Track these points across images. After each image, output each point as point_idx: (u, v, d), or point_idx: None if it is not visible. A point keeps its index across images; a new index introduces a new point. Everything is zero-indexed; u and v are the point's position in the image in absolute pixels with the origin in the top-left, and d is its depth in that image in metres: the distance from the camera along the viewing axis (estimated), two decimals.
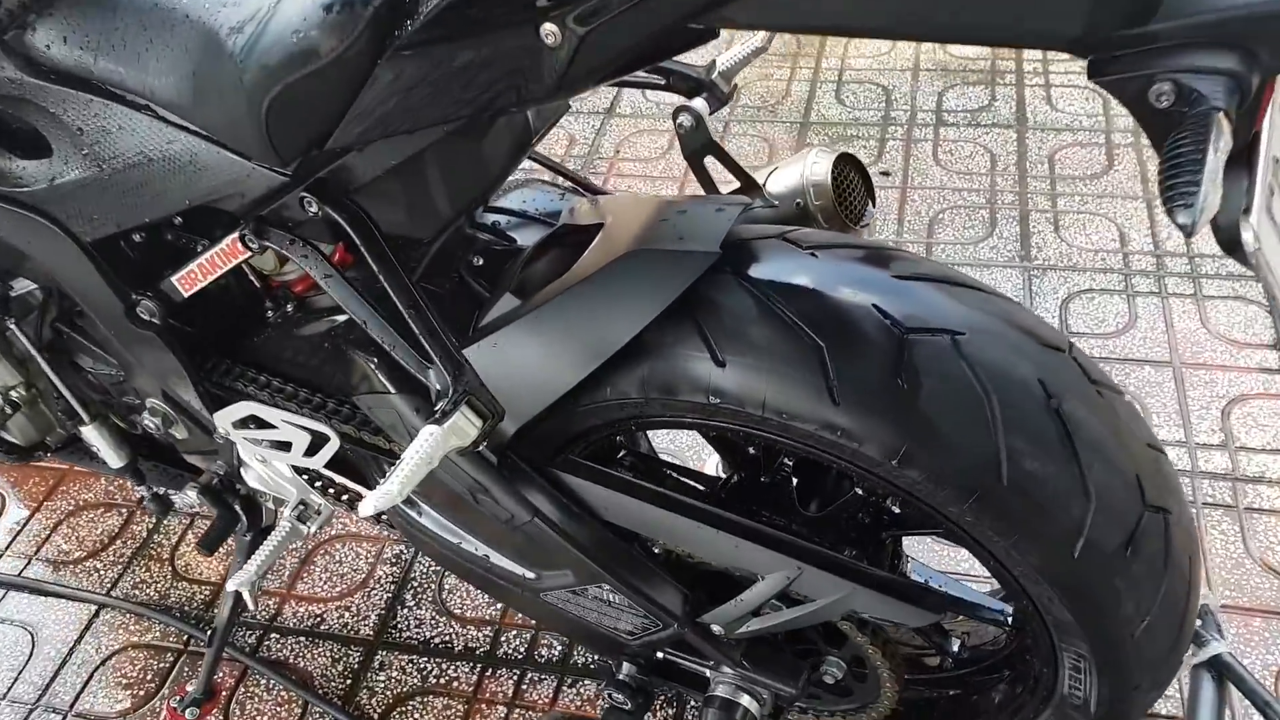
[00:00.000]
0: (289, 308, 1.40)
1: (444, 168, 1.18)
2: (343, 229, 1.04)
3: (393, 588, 2.07)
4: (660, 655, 1.37)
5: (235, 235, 1.10)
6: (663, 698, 1.73)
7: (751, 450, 1.32)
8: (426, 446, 0.96)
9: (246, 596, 1.43)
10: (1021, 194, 2.81)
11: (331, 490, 1.46)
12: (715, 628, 1.26)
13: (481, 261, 1.30)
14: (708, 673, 1.34)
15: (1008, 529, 1.06)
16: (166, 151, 1.05)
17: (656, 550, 1.30)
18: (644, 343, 1.12)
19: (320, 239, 1.09)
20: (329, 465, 1.37)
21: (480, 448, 1.20)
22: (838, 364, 1.04)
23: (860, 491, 1.25)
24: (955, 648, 1.49)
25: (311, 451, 1.37)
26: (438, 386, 1.00)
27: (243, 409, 1.34)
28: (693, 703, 1.71)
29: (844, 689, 1.40)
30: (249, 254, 1.12)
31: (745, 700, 1.31)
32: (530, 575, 1.35)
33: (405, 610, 2.03)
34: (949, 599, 1.40)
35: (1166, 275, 2.51)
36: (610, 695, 1.38)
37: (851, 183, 1.33)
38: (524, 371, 1.18)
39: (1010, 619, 1.41)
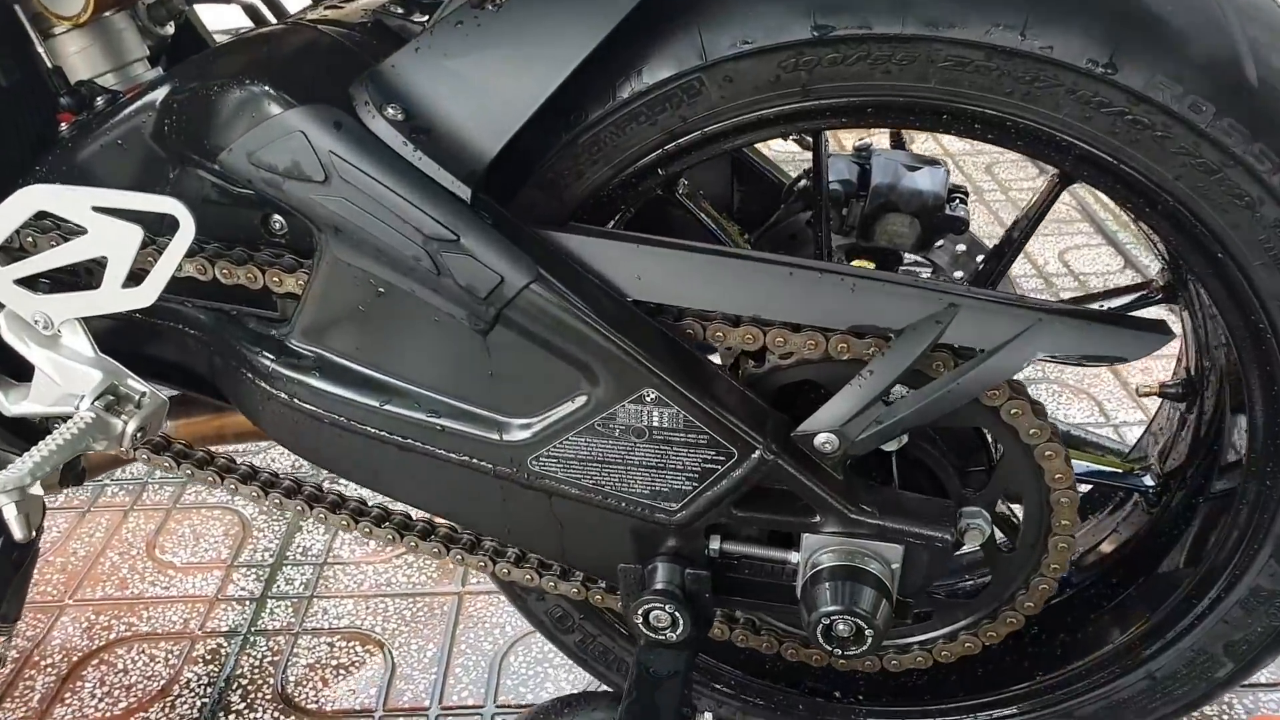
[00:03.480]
0: None
1: None
2: None
3: (210, 691, 1.40)
4: (716, 547, 0.88)
5: None
6: None
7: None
8: None
9: (9, 516, 0.82)
10: None
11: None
12: (822, 439, 0.80)
13: None
14: (793, 556, 0.85)
15: (1269, 150, 0.74)
16: None
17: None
18: None
19: None
20: None
21: (443, 176, 0.78)
22: None
23: None
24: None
25: (136, 277, 0.85)
26: None
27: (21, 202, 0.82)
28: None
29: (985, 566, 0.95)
30: None
31: (874, 567, 0.83)
32: (513, 431, 0.85)
33: (231, 717, 1.36)
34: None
35: None
36: (645, 617, 0.84)
37: None
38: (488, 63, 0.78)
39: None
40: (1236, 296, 0.81)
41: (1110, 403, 1.98)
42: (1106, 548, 1.12)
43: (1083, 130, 0.76)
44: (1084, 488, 1.20)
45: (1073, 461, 1.09)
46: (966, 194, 1.09)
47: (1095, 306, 1.02)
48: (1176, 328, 1.03)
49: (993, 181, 2.88)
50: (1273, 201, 0.75)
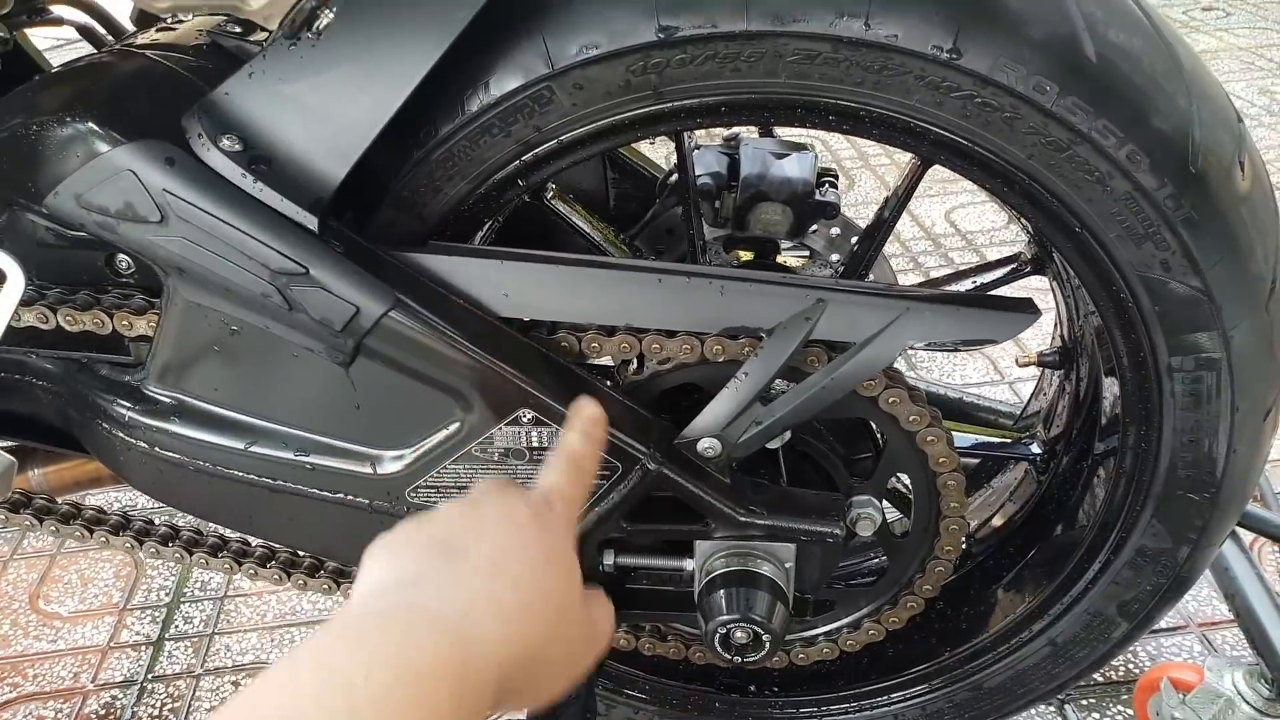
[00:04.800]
0: None
1: None
2: None
3: None
4: (611, 562, 0.86)
5: None
6: None
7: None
8: None
9: None
10: None
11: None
12: (705, 444, 0.79)
13: None
14: (688, 564, 0.85)
15: (1111, 126, 0.75)
16: None
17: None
18: None
19: None
20: None
21: (287, 207, 0.74)
22: None
23: None
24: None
25: None
26: None
27: None
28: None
29: (879, 566, 0.96)
30: None
31: (766, 569, 0.83)
32: (386, 463, 0.82)
33: None
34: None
35: None
36: None
37: None
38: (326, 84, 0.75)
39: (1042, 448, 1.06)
40: (1096, 268, 0.82)
41: (1004, 360, 2.02)
42: (1001, 519, 1.13)
43: (935, 115, 0.76)
44: (973, 461, 1.22)
45: (960, 435, 1.11)
46: (837, 177, 1.09)
47: (968, 284, 1.04)
48: (1049, 298, 1.05)
49: (852, 149, 2.93)
50: (1120, 175, 0.76)
